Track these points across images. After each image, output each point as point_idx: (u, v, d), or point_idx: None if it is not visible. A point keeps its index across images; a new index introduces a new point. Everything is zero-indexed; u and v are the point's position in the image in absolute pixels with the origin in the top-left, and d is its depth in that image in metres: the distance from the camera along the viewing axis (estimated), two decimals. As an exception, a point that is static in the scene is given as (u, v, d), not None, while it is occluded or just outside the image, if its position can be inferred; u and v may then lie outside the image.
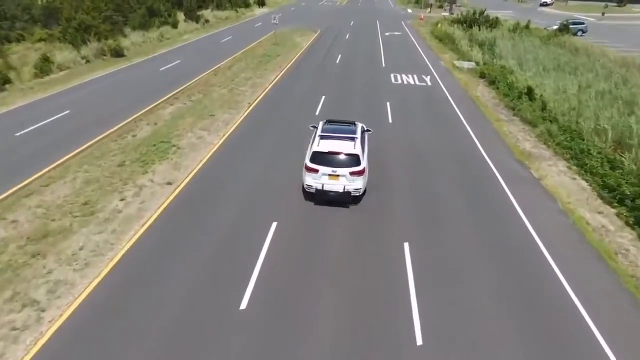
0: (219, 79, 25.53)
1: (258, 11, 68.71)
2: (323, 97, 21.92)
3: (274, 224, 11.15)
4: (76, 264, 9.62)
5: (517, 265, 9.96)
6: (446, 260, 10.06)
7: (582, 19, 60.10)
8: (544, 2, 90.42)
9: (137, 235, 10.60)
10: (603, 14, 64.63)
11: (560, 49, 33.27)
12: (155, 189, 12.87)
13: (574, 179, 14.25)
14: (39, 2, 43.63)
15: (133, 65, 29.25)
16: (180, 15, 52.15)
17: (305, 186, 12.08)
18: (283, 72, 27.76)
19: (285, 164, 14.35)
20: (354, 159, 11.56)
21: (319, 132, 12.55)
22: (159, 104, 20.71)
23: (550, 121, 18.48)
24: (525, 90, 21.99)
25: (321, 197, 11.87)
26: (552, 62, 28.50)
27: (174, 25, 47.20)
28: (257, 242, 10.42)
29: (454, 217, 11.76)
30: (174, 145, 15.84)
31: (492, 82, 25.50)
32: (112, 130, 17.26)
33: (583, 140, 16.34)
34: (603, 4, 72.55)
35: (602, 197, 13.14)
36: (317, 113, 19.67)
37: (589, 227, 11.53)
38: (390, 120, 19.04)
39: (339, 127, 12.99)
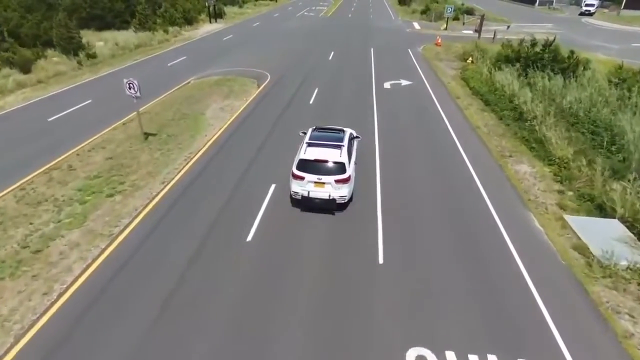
0: None
1: (205, 29, 48.72)
2: None
3: None
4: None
5: None
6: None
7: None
8: (585, 10, 70.98)
9: None
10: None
11: None
12: None
13: None
14: None
15: None
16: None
17: (291, 193, 11.83)
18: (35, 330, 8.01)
19: None
20: (339, 167, 11.45)
21: (306, 139, 12.55)
22: None
23: None
24: None
25: (307, 204, 11.69)
26: None
27: (26, 68, 27.32)
28: None
29: None
30: None
31: None
32: None
33: None
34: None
35: None
36: None
37: None
38: None
39: (327, 134, 13.05)
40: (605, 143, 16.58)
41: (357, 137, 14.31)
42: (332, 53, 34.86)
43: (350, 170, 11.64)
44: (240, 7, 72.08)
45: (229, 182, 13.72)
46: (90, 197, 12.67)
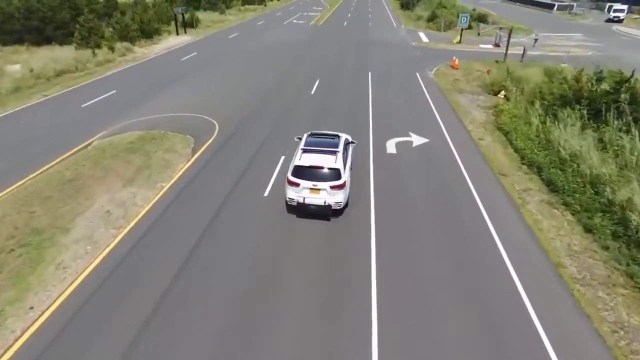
0: None
1: (166, 44, 39.89)
2: None
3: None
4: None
5: None
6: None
7: None
8: (614, 16, 62.21)
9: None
10: None
11: None
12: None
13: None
14: None
15: None
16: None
17: (287, 200, 11.65)
18: None
19: None
20: (334, 173, 11.35)
21: (301, 146, 12.42)
22: None
23: None
24: None
25: (302, 211, 11.57)
26: None
27: None
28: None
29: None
30: None
31: None
32: None
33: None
34: None
35: None
36: None
37: None
38: None
39: (322, 140, 12.94)
40: None
41: (352, 142, 14.22)
42: (317, 83, 26.13)
43: (345, 176, 11.46)
44: (222, 13, 63.32)
45: None
46: None
